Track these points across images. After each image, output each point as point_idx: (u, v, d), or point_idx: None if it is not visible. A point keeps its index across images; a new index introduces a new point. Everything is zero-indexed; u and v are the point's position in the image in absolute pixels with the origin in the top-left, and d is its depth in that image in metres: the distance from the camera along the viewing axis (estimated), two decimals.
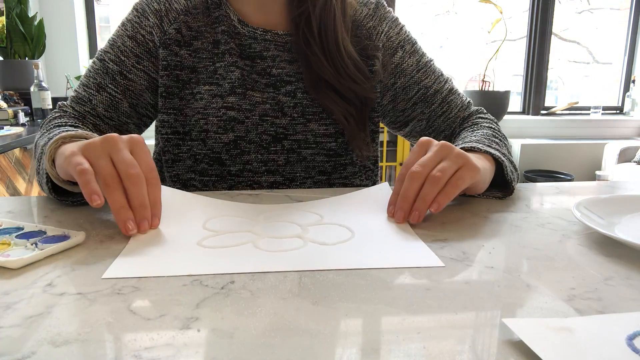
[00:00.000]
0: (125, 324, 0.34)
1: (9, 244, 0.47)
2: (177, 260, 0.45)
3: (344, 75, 0.77)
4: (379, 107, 0.86)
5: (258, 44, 0.79)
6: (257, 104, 0.77)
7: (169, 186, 0.80)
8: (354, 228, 0.54)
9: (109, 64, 0.78)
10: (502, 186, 0.69)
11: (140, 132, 0.84)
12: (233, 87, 0.76)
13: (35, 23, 2.50)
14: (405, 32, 0.87)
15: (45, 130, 0.72)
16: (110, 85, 0.78)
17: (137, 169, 0.51)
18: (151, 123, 0.85)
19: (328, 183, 0.82)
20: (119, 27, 0.81)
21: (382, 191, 0.66)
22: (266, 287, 0.40)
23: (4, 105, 2.25)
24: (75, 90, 0.80)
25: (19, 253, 0.45)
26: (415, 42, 0.88)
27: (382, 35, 0.84)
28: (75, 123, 0.75)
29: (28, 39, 2.46)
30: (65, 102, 0.80)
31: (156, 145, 0.85)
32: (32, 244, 0.47)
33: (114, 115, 0.79)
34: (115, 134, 0.54)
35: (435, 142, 0.59)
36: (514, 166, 0.70)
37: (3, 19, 2.39)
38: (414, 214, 0.55)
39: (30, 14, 2.51)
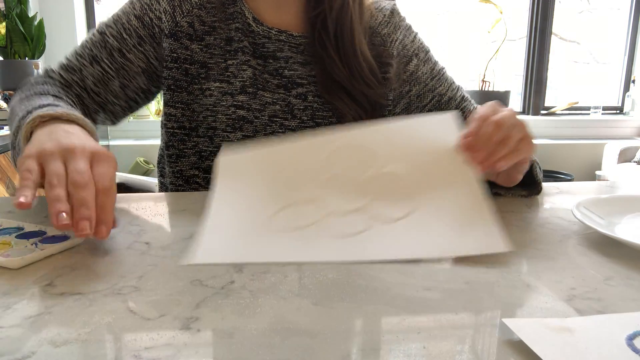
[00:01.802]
0: (125, 324, 0.34)
1: (9, 244, 0.47)
2: (256, 244, 0.48)
3: (358, 78, 0.77)
4: (391, 116, 0.85)
5: (272, 44, 0.78)
6: (267, 104, 0.76)
7: (171, 182, 0.80)
8: (416, 181, 0.53)
9: (109, 38, 0.76)
10: (526, 185, 0.69)
11: (125, 115, 0.82)
12: (244, 86, 0.76)
13: (35, 23, 2.50)
14: (419, 40, 0.87)
15: (24, 96, 0.69)
16: (105, 60, 0.76)
17: (85, 176, 0.47)
18: (138, 108, 0.83)
19: None
20: (126, 4, 0.78)
21: (445, 125, 0.60)
22: (266, 287, 0.40)
23: (4, 105, 2.24)
24: (67, 58, 0.78)
25: (19, 253, 0.45)
26: (429, 50, 0.88)
27: (397, 43, 0.84)
28: (59, 93, 0.72)
29: (28, 39, 2.46)
30: (53, 68, 0.77)
31: (161, 139, 0.84)
32: (32, 244, 0.47)
33: (101, 92, 0.77)
34: (78, 146, 0.50)
35: (504, 107, 0.59)
36: (539, 166, 0.71)
37: (3, 25, 2.39)
38: (500, 163, 0.54)
39: (30, 14, 2.51)
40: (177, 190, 0.79)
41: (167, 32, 0.76)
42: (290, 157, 0.60)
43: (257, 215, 0.53)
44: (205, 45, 0.77)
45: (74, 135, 0.54)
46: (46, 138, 0.53)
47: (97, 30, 0.78)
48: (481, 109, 0.58)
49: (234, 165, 0.60)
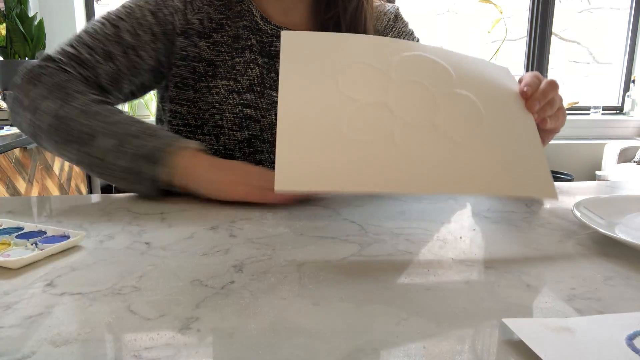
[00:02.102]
0: (125, 324, 0.34)
1: (9, 244, 0.47)
2: (335, 167, 0.50)
3: None
4: None
5: (279, 43, 0.78)
6: (274, 103, 0.76)
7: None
8: (484, 107, 0.55)
9: (124, 34, 0.72)
10: None
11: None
12: (251, 85, 0.75)
13: (35, 23, 2.50)
14: None
15: (79, 107, 0.65)
16: (120, 58, 0.72)
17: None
18: (129, 101, 0.82)
19: None
20: None
21: (505, 74, 0.64)
22: (266, 287, 0.40)
23: (4, 105, 2.24)
24: (74, 48, 0.72)
25: (19, 253, 0.45)
26: None
27: None
28: (87, 88, 0.69)
29: (28, 39, 2.46)
30: (61, 58, 0.71)
31: None
32: (32, 244, 0.47)
33: (112, 89, 0.74)
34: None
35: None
36: None
37: (4, 26, 2.39)
38: (547, 120, 0.61)
39: (30, 14, 2.51)
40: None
41: (178, 30, 0.75)
42: (360, 49, 0.57)
43: (330, 122, 0.51)
44: (213, 43, 0.76)
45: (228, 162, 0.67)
46: (223, 168, 0.65)
47: (110, 22, 0.73)
48: (529, 74, 0.63)
49: (298, 44, 0.57)
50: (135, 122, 0.64)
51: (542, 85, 0.60)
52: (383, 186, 0.50)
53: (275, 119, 0.76)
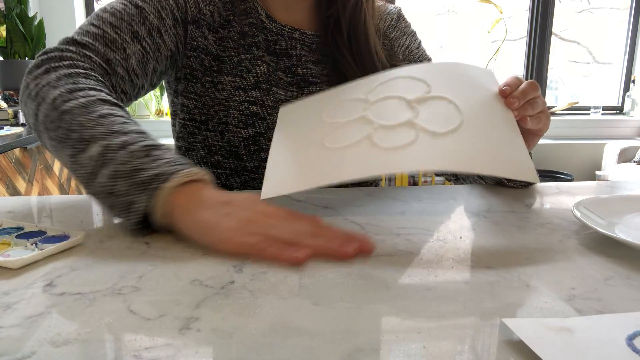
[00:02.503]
0: (125, 324, 0.34)
1: (9, 244, 0.47)
2: (314, 169, 0.54)
3: None
4: None
5: (285, 42, 0.77)
6: (280, 101, 0.76)
7: None
8: (462, 107, 0.56)
9: (148, 14, 0.69)
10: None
11: (136, 99, 0.74)
12: (258, 82, 0.75)
13: (35, 23, 2.50)
14: (423, 47, 0.89)
15: (81, 104, 0.55)
16: (147, 39, 0.69)
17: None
18: (146, 93, 0.77)
19: (340, 186, 0.82)
20: None
21: (487, 76, 0.66)
22: (266, 287, 0.40)
23: (4, 105, 2.25)
24: (98, 27, 0.65)
25: (19, 253, 0.45)
26: (431, 58, 0.90)
27: (404, 48, 0.85)
28: (110, 93, 0.60)
29: (28, 39, 2.46)
30: (86, 40, 0.64)
31: (173, 130, 0.83)
32: (32, 244, 0.47)
33: (140, 74, 0.69)
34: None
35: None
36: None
37: (4, 28, 2.39)
38: (528, 120, 0.60)
39: (30, 14, 2.51)
40: None
41: (190, 18, 0.74)
42: (341, 93, 0.65)
43: (311, 142, 0.58)
44: (220, 38, 0.75)
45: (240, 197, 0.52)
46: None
47: (130, 2, 0.69)
48: (510, 76, 0.63)
49: (290, 111, 0.68)
50: (136, 136, 0.53)
51: (522, 85, 0.60)
52: (364, 172, 0.52)
53: None
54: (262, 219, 0.48)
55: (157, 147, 0.52)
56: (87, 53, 0.64)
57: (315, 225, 0.49)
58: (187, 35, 0.74)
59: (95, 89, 0.59)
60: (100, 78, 0.63)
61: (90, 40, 0.65)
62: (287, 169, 0.56)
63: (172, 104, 0.82)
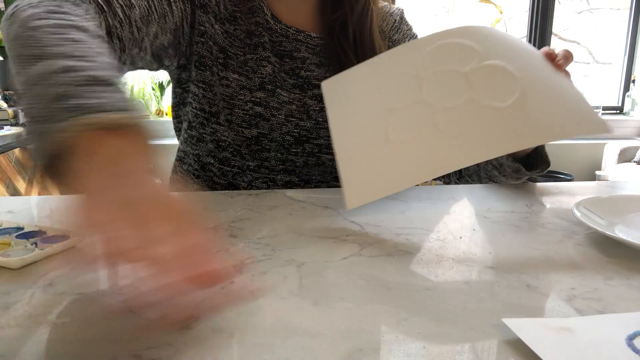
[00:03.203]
0: (125, 324, 0.34)
1: (9, 244, 0.47)
2: (392, 171, 0.53)
3: None
4: None
5: (289, 43, 0.77)
6: (284, 103, 0.76)
7: (189, 164, 0.79)
8: (516, 73, 0.55)
9: None
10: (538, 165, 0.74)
11: (141, 67, 0.71)
12: (263, 83, 0.75)
13: None
14: None
15: (54, 22, 0.48)
16: (154, 0, 0.66)
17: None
18: (152, 69, 0.75)
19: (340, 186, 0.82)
20: None
21: (524, 41, 0.68)
22: (266, 287, 0.40)
23: (4, 105, 2.25)
24: None
25: (19, 253, 0.45)
26: None
27: None
28: (98, 26, 0.54)
29: None
30: None
31: (184, 120, 0.81)
32: (32, 244, 0.47)
33: (142, 29, 0.65)
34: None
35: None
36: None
37: None
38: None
39: None
40: (194, 174, 0.78)
41: (197, 1, 0.72)
42: (387, 66, 0.62)
43: (375, 134, 0.56)
44: (226, 32, 0.75)
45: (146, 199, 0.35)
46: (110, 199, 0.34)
47: None
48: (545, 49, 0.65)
49: (337, 88, 0.65)
50: (88, 63, 0.43)
51: (561, 51, 0.62)
52: (440, 170, 0.51)
53: (285, 119, 0.76)
54: (147, 228, 0.33)
55: (106, 80, 0.41)
56: None
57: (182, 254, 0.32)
58: (195, 19, 0.73)
59: (78, 16, 0.51)
60: (92, 11, 0.57)
61: None
62: (363, 174, 0.55)
63: (178, 95, 0.80)
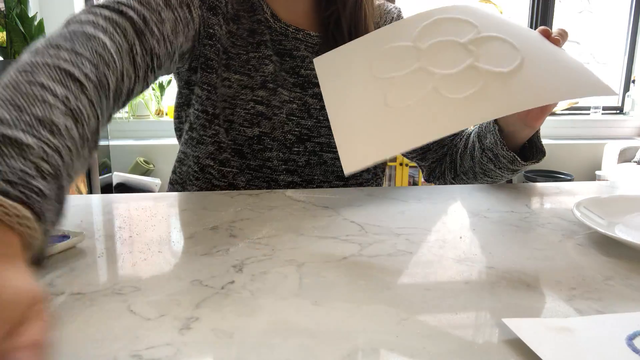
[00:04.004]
0: (125, 324, 0.34)
1: None
2: (391, 133, 0.51)
3: None
4: None
5: (289, 42, 0.77)
6: (285, 102, 0.76)
7: (188, 166, 0.79)
8: (515, 43, 0.55)
9: None
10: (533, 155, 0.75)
11: (147, 83, 0.62)
12: (265, 81, 0.74)
13: (35, 23, 2.50)
14: None
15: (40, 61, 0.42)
16: (178, 9, 0.65)
17: None
18: (167, 74, 0.71)
19: (340, 186, 0.82)
20: None
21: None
22: (266, 287, 0.40)
23: None
24: None
25: None
26: None
27: None
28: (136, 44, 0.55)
29: (28, 39, 2.46)
30: (119, 0, 0.58)
31: (186, 121, 0.81)
32: None
33: (173, 41, 0.64)
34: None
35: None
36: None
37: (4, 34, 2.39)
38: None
39: (30, 14, 2.51)
40: (193, 177, 0.78)
41: (207, 3, 0.72)
42: (383, 39, 0.61)
43: (374, 103, 0.55)
44: (229, 32, 0.74)
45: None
46: None
47: None
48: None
49: (329, 64, 0.63)
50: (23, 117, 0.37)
51: (556, 29, 0.63)
52: (443, 130, 0.51)
53: (286, 118, 0.76)
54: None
55: (19, 144, 0.34)
56: (124, 10, 0.57)
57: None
58: (206, 21, 0.72)
59: (76, 52, 0.46)
60: (131, 32, 0.56)
61: (128, 1, 0.58)
62: (359, 137, 0.53)
63: (185, 96, 0.79)
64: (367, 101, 0.55)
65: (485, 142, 0.75)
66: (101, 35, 0.51)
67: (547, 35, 0.61)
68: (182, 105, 0.81)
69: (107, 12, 0.55)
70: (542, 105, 0.54)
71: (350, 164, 0.51)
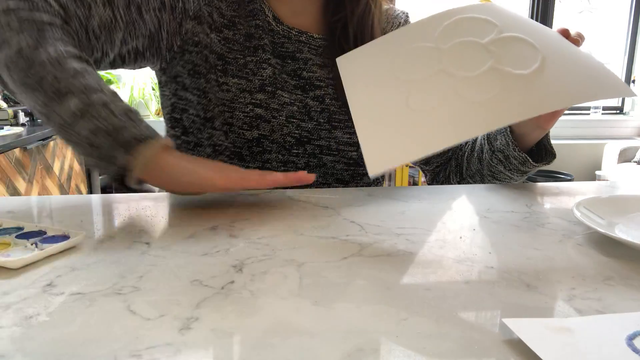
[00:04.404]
0: (125, 324, 0.34)
1: (9, 244, 0.47)
2: (414, 137, 0.52)
3: None
4: None
5: (291, 44, 0.77)
6: (285, 104, 0.76)
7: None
8: (536, 44, 0.56)
9: None
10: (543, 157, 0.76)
11: (101, 68, 0.73)
12: (263, 85, 0.75)
13: None
14: None
15: (37, 45, 0.58)
16: (120, 9, 0.68)
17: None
18: (115, 68, 0.76)
19: (340, 186, 0.82)
20: None
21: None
22: (266, 287, 0.40)
23: (4, 105, 2.25)
24: None
25: (19, 253, 0.45)
26: None
27: None
28: (76, 46, 0.63)
29: None
30: None
31: (177, 127, 0.81)
32: (32, 244, 0.47)
33: (101, 37, 0.68)
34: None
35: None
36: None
37: None
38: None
39: None
40: None
41: (191, 13, 0.73)
42: (406, 39, 0.62)
43: (396, 105, 0.55)
44: (224, 39, 0.75)
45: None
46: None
47: None
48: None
49: (353, 63, 0.64)
50: (112, 96, 0.59)
51: (573, 31, 0.63)
52: (466, 133, 0.51)
53: (286, 120, 0.76)
54: (226, 167, 0.63)
55: (132, 111, 0.60)
56: (50, 3, 0.62)
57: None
58: (182, 29, 0.73)
59: (61, 40, 0.61)
60: (63, 28, 0.62)
61: None
62: (384, 140, 0.54)
63: (177, 99, 0.80)
64: (390, 102, 0.56)
65: (495, 144, 0.75)
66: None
67: (566, 35, 0.62)
68: (172, 112, 0.81)
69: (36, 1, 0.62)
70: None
71: (374, 166, 0.52)
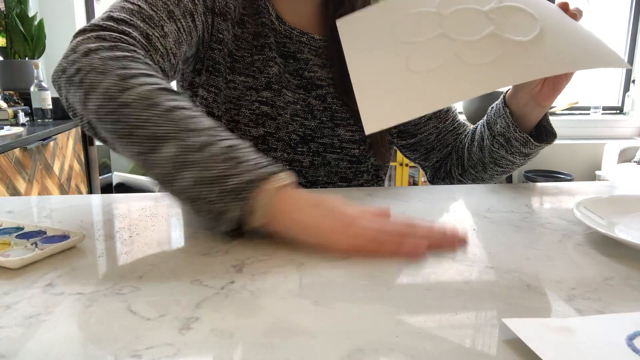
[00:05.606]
0: (125, 324, 0.34)
1: (9, 244, 0.47)
2: (412, 96, 0.53)
3: None
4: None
5: (293, 45, 0.78)
6: (289, 103, 0.76)
7: None
8: (535, 14, 0.57)
9: None
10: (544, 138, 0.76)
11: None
12: (269, 82, 0.75)
13: (35, 23, 2.50)
14: None
15: (124, 82, 0.51)
16: (181, 20, 0.66)
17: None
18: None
19: (339, 186, 0.82)
20: None
21: None
22: (266, 287, 0.40)
23: (4, 105, 2.25)
24: (132, 3, 0.62)
25: (19, 253, 0.45)
26: None
27: None
28: (163, 77, 0.56)
29: (28, 39, 2.46)
30: (123, 16, 0.60)
31: None
32: (32, 244, 0.47)
33: (177, 54, 0.66)
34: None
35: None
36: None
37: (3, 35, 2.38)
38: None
39: (30, 14, 2.51)
40: None
41: (217, 10, 0.73)
42: (407, 4, 0.63)
43: (396, 67, 0.56)
44: (234, 35, 0.75)
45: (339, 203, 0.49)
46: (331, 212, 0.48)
47: None
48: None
49: (353, 26, 0.64)
50: (216, 132, 0.51)
51: (573, 7, 0.64)
52: (464, 94, 0.52)
53: (290, 118, 0.76)
54: (359, 219, 0.48)
55: (237, 147, 0.50)
56: (126, 29, 0.60)
57: (409, 222, 0.49)
58: (214, 27, 0.73)
59: (147, 74, 0.54)
60: (147, 59, 0.58)
61: (127, 16, 0.61)
62: (382, 99, 0.55)
63: (190, 97, 0.79)
64: (390, 64, 0.57)
65: (495, 128, 0.76)
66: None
67: (565, 8, 0.63)
68: None
69: (115, 35, 0.58)
70: (559, 74, 0.57)
71: (371, 124, 0.52)
